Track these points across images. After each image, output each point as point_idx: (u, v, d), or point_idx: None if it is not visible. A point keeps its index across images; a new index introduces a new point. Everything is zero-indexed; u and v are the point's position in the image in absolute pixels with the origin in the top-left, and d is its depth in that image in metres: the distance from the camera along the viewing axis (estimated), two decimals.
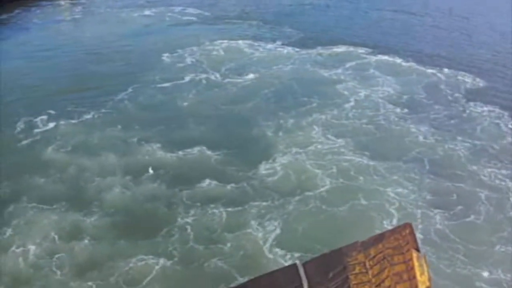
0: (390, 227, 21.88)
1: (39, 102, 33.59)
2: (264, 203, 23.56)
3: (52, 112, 32.07)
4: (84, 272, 19.42)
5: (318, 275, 7.64)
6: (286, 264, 19.60)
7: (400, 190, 24.62)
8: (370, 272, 7.83)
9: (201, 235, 21.55)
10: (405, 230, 8.09)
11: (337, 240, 20.81)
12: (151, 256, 20.24)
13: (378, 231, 21.55)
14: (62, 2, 59.71)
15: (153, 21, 52.65)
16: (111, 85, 36.72)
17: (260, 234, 21.50)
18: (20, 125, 30.52)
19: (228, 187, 24.74)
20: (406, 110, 33.06)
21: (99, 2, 61.05)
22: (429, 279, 7.92)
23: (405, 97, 35.17)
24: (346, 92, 35.72)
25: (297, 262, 7.48)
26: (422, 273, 7.94)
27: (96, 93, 35.50)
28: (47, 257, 20.27)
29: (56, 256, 20.33)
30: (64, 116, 31.69)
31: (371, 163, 26.87)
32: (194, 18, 54.05)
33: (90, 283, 18.85)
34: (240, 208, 23.19)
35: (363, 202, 23.81)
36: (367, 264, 7.85)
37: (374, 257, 7.89)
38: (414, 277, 7.93)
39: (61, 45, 45.17)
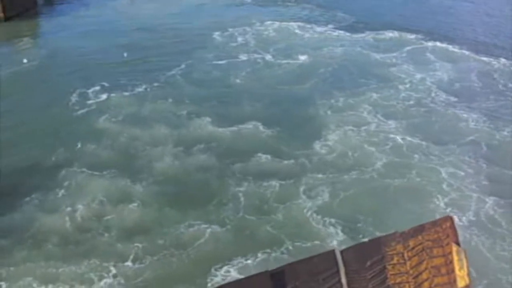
0: (443, 205, 21.24)
1: (93, 75, 33.81)
2: (318, 177, 23.03)
3: (105, 84, 32.26)
4: (131, 235, 19.27)
5: (356, 262, 7.49)
6: (335, 233, 19.48)
7: (455, 171, 23.68)
8: (408, 263, 7.67)
9: (253, 205, 21.17)
10: (445, 223, 7.90)
11: (390, 213, 20.71)
12: (201, 222, 19.98)
13: (432, 206, 21.66)
14: None
15: (206, 1, 52.38)
16: (164, 61, 36.66)
17: (311, 205, 20.96)
18: (75, 96, 30.79)
19: (281, 161, 24.29)
20: (459, 97, 31.81)
21: None
22: (468, 274, 7.57)
23: (458, 83, 33.84)
24: (399, 75, 34.67)
25: (335, 248, 7.09)
26: (461, 268, 7.71)
27: (149, 67, 35.51)
28: (95, 219, 20.30)
29: (104, 218, 20.33)
30: (117, 88, 31.81)
31: (424, 143, 26.00)
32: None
33: (137, 245, 18.68)
34: (292, 181, 22.69)
35: (417, 179, 23.11)
36: (405, 255, 7.69)
37: (413, 248, 7.73)
38: (453, 271, 7.75)
39: (117, 21, 45.41)
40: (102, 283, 16.91)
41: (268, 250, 18.63)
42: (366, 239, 20.01)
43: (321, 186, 22.42)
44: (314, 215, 20.56)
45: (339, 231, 19.65)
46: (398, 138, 26.57)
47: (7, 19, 43.30)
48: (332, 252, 7.60)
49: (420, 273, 7.68)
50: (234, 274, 17.47)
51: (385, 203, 21.49)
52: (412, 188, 22.68)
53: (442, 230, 7.74)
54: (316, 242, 19.14)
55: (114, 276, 17.22)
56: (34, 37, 42.69)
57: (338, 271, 7.54)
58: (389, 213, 20.80)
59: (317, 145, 25.80)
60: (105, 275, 17.28)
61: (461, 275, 7.72)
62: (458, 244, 7.91)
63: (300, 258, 17.68)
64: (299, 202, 21.34)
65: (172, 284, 17.09)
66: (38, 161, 24.13)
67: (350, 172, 23.56)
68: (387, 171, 23.79)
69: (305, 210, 20.89)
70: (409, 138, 26.52)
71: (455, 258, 7.78)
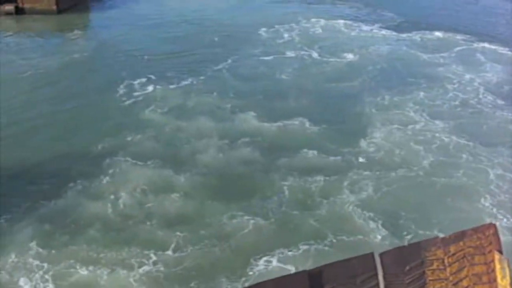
0: (489, 205, 20.51)
1: (140, 67, 34.10)
2: (363, 174, 22.53)
3: (152, 76, 32.44)
4: (173, 224, 19.10)
5: (394, 266, 7.16)
6: (377, 229, 19.02)
7: (503, 173, 22.70)
8: (448, 269, 7.25)
9: (297, 199, 20.78)
10: (488, 230, 7.39)
11: (434, 211, 20.10)
12: (244, 214, 19.68)
13: (479, 206, 20.93)
14: None
15: None
16: (210, 55, 36.67)
17: (355, 201, 20.46)
18: (122, 87, 31.04)
19: (327, 157, 23.78)
20: (507, 99, 30.81)
21: None
22: (511, 284, 7.13)
23: (508, 86, 32.75)
24: (447, 75, 33.80)
25: (374, 252, 6.86)
26: (503, 277, 7.17)
27: (195, 61, 35.57)
28: (137, 207, 20.23)
29: (146, 207, 20.25)
30: (164, 81, 31.91)
31: (471, 144, 25.11)
32: None
33: (178, 234, 18.49)
34: (337, 177, 22.18)
35: (464, 178, 22.36)
36: (445, 261, 7.28)
37: (453, 254, 7.31)
38: (495, 280, 7.21)
39: (165, 16, 45.74)
40: (141, 269, 16.79)
41: (311, 242, 18.26)
42: (408, 238, 19.59)
43: (366, 182, 21.90)
44: (358, 210, 20.06)
45: (381, 227, 19.15)
46: (445, 137, 25.76)
47: (59, 11, 44.18)
48: (371, 254, 7.31)
49: (460, 280, 7.31)
50: (275, 265, 17.21)
51: (430, 201, 20.85)
52: (459, 187, 21.95)
53: (485, 237, 7.35)
54: (359, 236, 18.75)
55: (154, 263, 17.08)
56: (85, 29, 43.42)
57: (376, 274, 7.26)
58: (433, 211, 20.19)
59: (363, 143, 25.24)
60: (145, 261, 17.13)
61: (504, 285, 7.29)
62: (501, 252, 7.49)
63: (342, 253, 17.59)
64: (344, 198, 20.85)
65: (212, 273, 16.83)
66: (84, 149, 24.32)
67: (396, 170, 22.97)
68: (434, 169, 23.12)
69: (349, 206, 20.43)
70: (456, 138, 25.71)
71: (498, 266, 7.31)
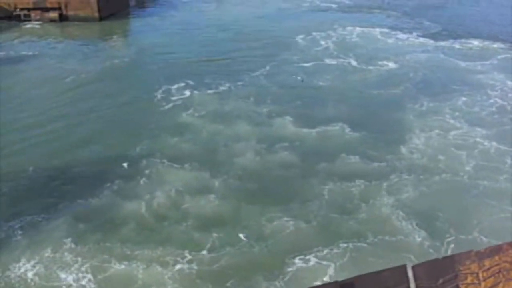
0: None
1: (178, 72, 34.19)
2: (403, 178, 21.96)
3: (190, 82, 32.45)
4: (209, 225, 18.77)
5: (427, 279, 6.89)
6: (416, 230, 18.55)
7: None
8: (482, 284, 6.91)
9: (336, 203, 20.29)
10: None
11: (475, 215, 19.51)
12: (282, 217, 19.24)
13: (506, 217, 20.22)
14: None
15: (290, 5, 52.30)
16: (248, 62, 36.55)
17: (395, 204, 19.89)
18: (161, 91, 31.16)
19: (367, 163, 23.27)
20: None
21: None
22: None
23: None
24: (487, 83, 32.84)
25: (407, 264, 6.62)
26: None
27: (233, 68, 35.50)
28: (172, 208, 20.01)
29: (182, 207, 20.01)
30: (201, 86, 31.84)
31: None
32: (333, 5, 53.01)
33: (215, 235, 18.13)
34: (378, 182, 21.62)
35: (507, 183, 21.59)
36: (480, 275, 6.95)
37: (488, 269, 6.98)
38: None
39: (203, 23, 46.06)
40: (176, 267, 16.58)
41: (350, 242, 17.86)
42: (448, 241, 19.14)
43: (407, 186, 21.34)
44: (398, 212, 19.53)
45: (420, 228, 18.68)
46: (486, 143, 24.97)
47: (101, 18, 44.93)
48: (404, 267, 7.07)
49: None
50: (313, 263, 16.83)
51: (472, 205, 20.26)
52: (501, 192, 21.14)
53: None
54: (400, 237, 18.32)
55: (189, 261, 16.72)
56: (125, 35, 44.07)
57: (408, 287, 7.01)
58: (475, 214, 19.66)
59: (403, 148, 24.61)
60: (180, 260, 16.79)
61: None
62: None
63: (381, 253, 17.19)
64: (384, 201, 20.31)
65: (249, 272, 16.40)
66: (122, 151, 24.33)
67: (437, 174, 22.39)
68: (476, 174, 22.47)
69: (389, 208, 19.91)
70: (496, 144, 24.89)
71: None
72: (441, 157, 23.86)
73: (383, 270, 6.94)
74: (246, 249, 17.73)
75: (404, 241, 18.15)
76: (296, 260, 17.18)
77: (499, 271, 6.93)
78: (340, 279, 15.87)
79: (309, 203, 20.40)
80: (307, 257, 17.29)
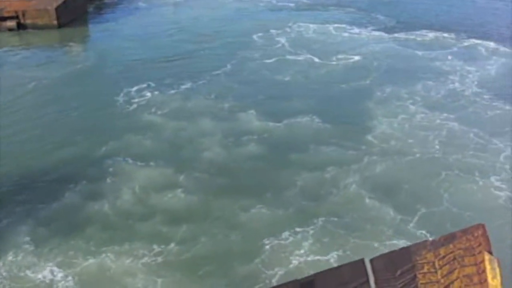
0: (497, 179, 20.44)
1: (139, 75, 33.64)
2: (373, 161, 22.47)
3: (151, 83, 32.00)
4: (178, 219, 18.57)
5: (386, 271, 7.07)
6: (388, 211, 18.94)
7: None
8: (439, 272, 7.17)
9: (310, 190, 20.51)
10: (477, 231, 7.33)
11: (445, 189, 20.37)
12: (253, 206, 19.28)
13: (477, 189, 20.85)
14: None
15: (247, 5, 52.27)
16: (208, 61, 36.29)
17: (367, 186, 20.52)
18: (122, 95, 30.63)
19: (337, 150, 23.56)
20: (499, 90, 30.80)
21: None
22: (501, 284, 7.03)
23: (499, 80, 32.79)
24: (446, 70, 34.00)
25: (364, 258, 6.68)
26: (494, 277, 7.10)
27: (194, 68, 35.06)
28: (139, 205, 19.77)
29: (149, 204, 19.78)
30: (162, 87, 31.47)
31: (475, 130, 25.33)
32: (290, 4, 53.21)
33: (185, 228, 17.96)
34: (348, 167, 22.04)
35: (472, 159, 22.66)
36: (436, 264, 7.20)
37: (444, 257, 7.24)
38: (485, 280, 7.15)
39: (162, 26, 45.51)
40: (146, 259, 16.29)
41: (325, 224, 18.26)
42: (420, 214, 19.69)
43: (377, 170, 21.96)
44: (369, 192, 20.19)
45: (394, 206, 19.31)
46: (450, 124, 26.07)
47: (60, 26, 44.17)
48: (362, 261, 7.19)
49: (452, 282, 7.20)
50: (289, 244, 17.09)
51: (441, 180, 21.20)
52: (469, 165, 22.32)
53: (474, 238, 7.27)
54: (372, 213, 18.99)
55: (159, 253, 16.43)
56: (85, 41, 43.32)
57: (368, 281, 7.17)
58: (444, 188, 20.62)
59: (371, 134, 25.17)
60: (148, 253, 16.60)
61: (494, 285, 7.17)
62: (490, 252, 7.37)
63: (356, 231, 17.33)
64: (355, 184, 20.83)
65: (224, 259, 16.52)
66: (85, 153, 23.82)
67: (405, 155, 23.20)
68: (442, 152, 23.46)
69: (360, 190, 20.44)
70: (459, 125, 25.99)
71: (488, 267, 7.18)
72: (407, 139, 24.64)
73: (342, 266, 7.06)
74: (220, 238, 17.68)
75: (376, 217, 18.70)
76: (273, 242, 17.36)
77: (454, 259, 7.14)
78: (315, 254, 16.11)
79: (282, 191, 20.48)
80: (283, 238, 17.51)
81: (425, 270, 7.12)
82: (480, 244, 7.22)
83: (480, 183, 20.98)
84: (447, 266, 7.16)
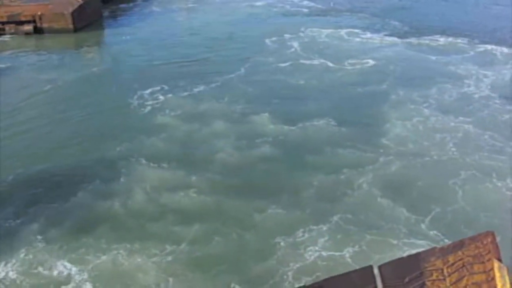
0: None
1: (153, 78, 33.67)
2: (389, 163, 22.35)
3: (165, 86, 32.00)
4: (189, 221, 18.38)
5: (394, 278, 6.97)
6: (401, 212, 18.76)
7: None
8: (447, 279, 7.06)
9: (326, 192, 20.33)
10: (486, 238, 7.22)
11: (456, 197, 20.00)
12: (271, 207, 19.09)
13: (493, 191, 20.67)
14: None
15: (260, 11, 52.37)
16: (222, 66, 36.22)
17: (382, 187, 20.45)
18: (136, 97, 30.64)
19: (353, 153, 23.40)
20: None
21: None
22: None
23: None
24: (461, 74, 33.70)
25: (373, 264, 6.58)
26: (503, 285, 6.95)
27: (207, 71, 35.02)
28: (152, 205, 19.66)
29: (162, 204, 19.65)
30: (176, 90, 31.48)
31: (489, 133, 25.13)
32: (304, 10, 53.25)
33: (197, 227, 17.83)
34: (364, 169, 21.87)
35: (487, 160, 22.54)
36: (445, 271, 7.09)
37: (452, 264, 7.14)
38: None
39: (175, 30, 45.89)
40: (158, 257, 16.19)
41: (340, 223, 18.19)
42: (433, 214, 19.61)
43: (392, 171, 21.89)
44: (385, 193, 20.08)
45: (408, 206, 19.18)
46: (466, 126, 25.86)
47: (76, 30, 44.55)
48: (370, 267, 7.08)
49: None
50: (303, 241, 17.00)
51: (455, 180, 21.01)
52: (484, 166, 22.16)
53: (483, 246, 7.17)
54: (387, 212, 18.92)
55: (171, 252, 16.44)
56: (100, 45, 43.73)
57: (376, 287, 7.04)
58: (459, 188, 20.46)
59: (387, 137, 25.05)
60: (159, 252, 16.50)
61: None
62: (500, 260, 7.23)
63: (370, 229, 17.14)
64: (371, 185, 20.69)
65: (237, 257, 16.41)
66: (99, 154, 23.83)
67: (420, 156, 23.09)
68: (457, 153, 23.34)
69: (376, 191, 20.30)
70: (473, 128, 25.82)
71: (497, 275, 7.05)
72: (422, 141, 24.48)
73: (350, 272, 6.92)
74: (233, 237, 17.50)
75: (391, 216, 18.62)
76: (287, 240, 17.21)
77: (463, 266, 7.02)
78: (330, 251, 15.95)
79: (298, 193, 20.30)
80: (298, 236, 17.36)
81: (433, 277, 7.01)
82: (489, 252, 7.12)
83: (496, 184, 20.73)
84: (456, 274, 7.06)
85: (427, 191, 20.13)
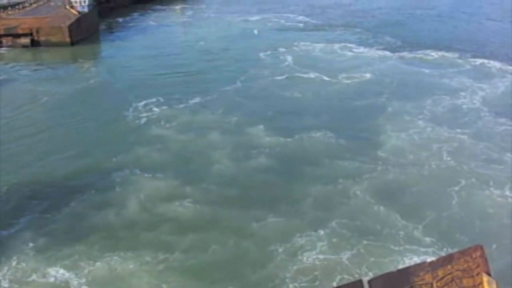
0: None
1: (149, 90, 33.57)
2: (386, 172, 22.48)
3: (160, 98, 31.86)
4: (185, 230, 18.18)
5: None
6: (397, 219, 18.68)
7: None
8: None
9: (322, 201, 20.29)
10: (475, 252, 7.19)
11: (450, 205, 20.01)
12: (268, 216, 19.02)
13: (487, 198, 20.71)
14: (176, 7, 61.56)
15: (256, 26, 52.48)
16: (217, 78, 36.20)
17: (377, 195, 20.45)
18: (131, 109, 30.57)
19: (349, 163, 23.39)
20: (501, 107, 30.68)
21: (208, 7, 62.72)
22: None
23: (498, 96, 32.85)
24: (455, 86, 33.95)
25: (363, 278, 6.56)
26: None
27: (203, 84, 34.90)
28: (147, 214, 19.43)
29: (157, 214, 19.42)
30: (171, 102, 31.39)
31: (484, 144, 25.35)
32: (299, 24, 53.49)
33: (191, 237, 17.66)
34: (361, 178, 21.90)
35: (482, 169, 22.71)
36: (434, 285, 7.05)
37: (442, 278, 7.09)
38: None
39: (170, 44, 45.94)
40: (152, 265, 16.01)
41: (336, 230, 18.22)
42: (429, 219, 19.28)
43: (388, 180, 21.98)
44: (380, 201, 20.13)
45: (401, 216, 19.10)
46: (460, 137, 26.08)
47: (73, 43, 44.57)
48: (360, 282, 7.02)
49: None
50: (301, 247, 16.95)
51: (448, 187, 21.23)
52: (479, 174, 22.36)
53: (472, 260, 7.13)
54: (383, 219, 18.94)
55: (165, 260, 16.31)
56: (97, 58, 43.68)
57: None
58: (452, 195, 20.63)
59: (383, 147, 25.20)
60: (151, 260, 16.35)
61: None
62: (489, 274, 7.19)
63: (368, 235, 17.03)
64: (367, 194, 20.72)
65: (235, 265, 16.28)
66: (95, 164, 23.71)
67: (416, 165, 23.26)
68: (452, 162, 23.52)
69: (372, 199, 20.33)
70: (468, 138, 26.04)
71: None
72: (417, 151, 24.62)
73: (341, 286, 6.89)
74: (230, 246, 17.39)
75: (386, 222, 18.67)
76: (286, 247, 17.16)
77: (452, 280, 6.96)
78: (328, 254, 15.82)
79: (294, 203, 20.25)
80: (295, 243, 17.32)
81: None
82: (478, 266, 7.06)
83: (491, 192, 20.91)
84: None
85: (422, 199, 20.20)
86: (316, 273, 16.04)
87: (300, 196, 20.62)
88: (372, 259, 16.23)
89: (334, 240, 17.51)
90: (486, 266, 7.10)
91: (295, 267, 16.26)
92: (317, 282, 15.64)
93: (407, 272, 7.02)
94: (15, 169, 23.49)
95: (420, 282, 6.96)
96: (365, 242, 17.34)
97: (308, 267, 16.38)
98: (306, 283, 15.46)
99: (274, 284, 15.70)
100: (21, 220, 19.33)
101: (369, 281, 6.82)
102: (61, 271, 16.06)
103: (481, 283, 7.00)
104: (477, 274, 7.05)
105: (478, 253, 7.15)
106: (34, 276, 15.97)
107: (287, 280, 15.81)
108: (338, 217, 18.94)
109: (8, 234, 18.50)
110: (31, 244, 17.62)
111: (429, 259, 7.52)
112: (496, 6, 64.43)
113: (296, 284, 15.57)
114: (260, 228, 18.37)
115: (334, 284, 15.30)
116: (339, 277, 15.70)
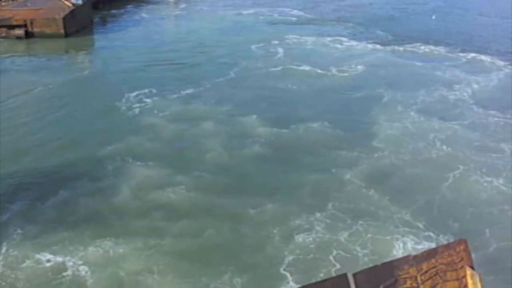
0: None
1: (142, 81, 33.34)
2: (381, 163, 22.61)
3: (153, 89, 31.75)
4: (178, 217, 18.10)
5: (368, 286, 6.95)
6: (389, 206, 18.77)
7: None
8: (421, 287, 7.09)
9: (318, 190, 20.24)
10: (459, 246, 7.26)
11: (442, 191, 20.24)
12: (264, 204, 18.92)
13: (480, 187, 20.74)
14: (170, 0, 61.32)
15: (248, 19, 52.46)
16: (209, 70, 36.19)
17: (373, 185, 20.59)
18: (125, 100, 30.34)
19: (345, 154, 23.39)
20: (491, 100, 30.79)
21: (202, 1, 62.43)
22: None
23: (487, 89, 33.11)
24: (448, 78, 34.32)
25: (348, 273, 6.55)
26: None
27: (196, 75, 34.80)
28: (141, 202, 19.29)
29: (151, 201, 19.28)
30: (164, 92, 31.31)
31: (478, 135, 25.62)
32: (293, 19, 53.44)
33: (184, 223, 17.56)
34: (357, 168, 22.02)
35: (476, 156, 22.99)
36: (418, 278, 7.10)
37: (426, 272, 7.15)
38: None
39: (162, 36, 45.75)
40: (149, 249, 16.08)
41: (333, 216, 18.33)
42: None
43: (384, 170, 22.13)
44: (376, 190, 20.27)
45: (398, 202, 19.39)
46: (455, 127, 26.42)
47: (67, 35, 44.31)
48: (345, 275, 7.01)
49: None
50: (297, 233, 17.06)
51: (441, 176, 21.45)
52: (471, 162, 22.67)
53: (456, 253, 7.19)
54: (380, 211, 18.90)
55: (154, 246, 16.52)
56: (91, 50, 43.39)
57: None
58: (444, 183, 20.88)
59: (377, 138, 25.20)
60: (143, 245, 16.42)
61: None
62: (472, 267, 7.23)
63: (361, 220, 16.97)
64: (364, 183, 20.80)
65: (232, 250, 16.26)
66: (88, 154, 23.50)
67: (411, 154, 23.52)
68: (445, 152, 23.77)
69: (368, 189, 20.39)
70: (462, 128, 26.40)
71: (470, 282, 7.06)
72: (411, 141, 24.87)
73: (325, 280, 6.88)
74: (225, 230, 17.40)
75: (379, 206, 18.97)
76: (282, 230, 17.33)
77: (436, 273, 7.00)
78: (325, 235, 15.97)
79: (290, 190, 20.27)
80: (292, 226, 17.49)
81: (407, 285, 6.96)
82: (462, 259, 7.12)
83: (485, 181, 21.21)
84: (430, 281, 7.00)
85: (416, 184, 20.66)
86: (313, 251, 16.24)
87: (296, 183, 20.63)
88: (369, 235, 16.70)
89: (330, 221, 17.72)
90: (470, 259, 7.21)
91: (292, 247, 16.34)
92: (315, 259, 15.88)
93: (392, 266, 7.09)
94: (7, 157, 23.26)
95: (405, 276, 7.04)
96: (361, 222, 17.67)
97: (306, 246, 16.50)
98: (304, 262, 15.66)
99: (271, 263, 15.75)
100: (12, 207, 19.11)
101: (354, 275, 6.83)
102: (55, 255, 15.89)
103: (464, 276, 7.11)
104: (461, 268, 7.16)
105: (462, 247, 7.24)
106: (27, 262, 15.78)
107: (285, 259, 15.90)
108: (334, 201, 19.12)
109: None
110: (21, 231, 17.39)
111: (414, 252, 7.67)
112: (489, 2, 64.61)
113: (294, 262, 15.67)
114: (256, 214, 18.32)
115: (331, 258, 15.50)
116: (335, 252, 16.01)
